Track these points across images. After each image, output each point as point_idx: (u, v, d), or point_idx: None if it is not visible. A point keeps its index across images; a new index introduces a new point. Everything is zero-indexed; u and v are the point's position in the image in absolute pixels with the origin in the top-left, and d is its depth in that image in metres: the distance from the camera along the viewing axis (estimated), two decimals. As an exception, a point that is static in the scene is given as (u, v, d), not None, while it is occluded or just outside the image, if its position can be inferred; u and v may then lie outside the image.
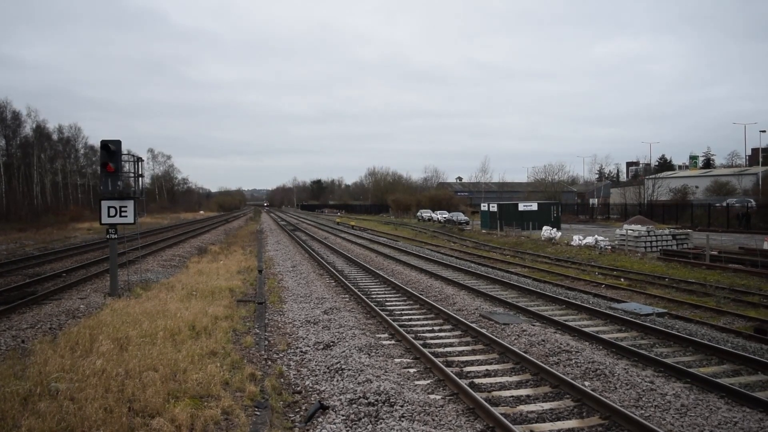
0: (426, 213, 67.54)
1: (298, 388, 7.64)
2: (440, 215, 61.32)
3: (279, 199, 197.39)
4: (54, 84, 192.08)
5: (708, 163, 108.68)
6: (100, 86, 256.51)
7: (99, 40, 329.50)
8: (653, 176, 71.68)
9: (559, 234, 34.31)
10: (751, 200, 49.79)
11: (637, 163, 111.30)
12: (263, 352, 9.22)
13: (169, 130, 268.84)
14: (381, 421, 6.30)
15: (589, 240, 29.24)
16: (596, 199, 74.23)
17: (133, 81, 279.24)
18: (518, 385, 7.85)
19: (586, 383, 7.77)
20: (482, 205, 50.94)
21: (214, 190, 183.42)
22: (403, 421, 6.26)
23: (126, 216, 13.71)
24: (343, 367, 8.21)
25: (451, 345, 9.90)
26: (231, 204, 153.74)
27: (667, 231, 28.77)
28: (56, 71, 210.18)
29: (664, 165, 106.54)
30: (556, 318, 11.60)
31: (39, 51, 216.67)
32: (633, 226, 29.26)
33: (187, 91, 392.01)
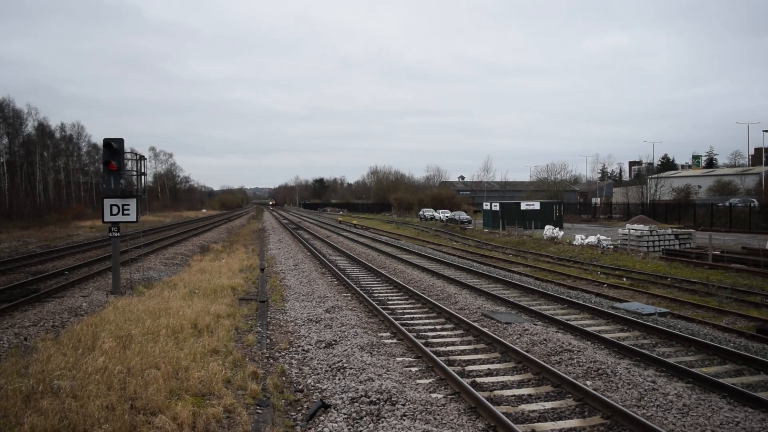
0: (428, 212, 67.45)
1: (300, 387, 7.65)
2: (442, 214, 61.27)
3: (281, 197, 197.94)
4: (35, 80, 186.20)
5: (711, 163, 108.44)
6: (82, 83, 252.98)
7: (75, 34, 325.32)
8: (656, 176, 71.61)
9: (561, 233, 34.29)
10: (754, 200, 49.66)
11: (639, 163, 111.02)
12: (265, 350, 9.23)
13: (159, 129, 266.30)
14: (383, 419, 6.30)
15: (592, 239, 29.20)
16: (599, 199, 74.10)
17: (114, 77, 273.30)
18: (520, 384, 7.85)
19: (588, 383, 7.76)
20: (484, 204, 50.91)
21: (216, 188, 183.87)
22: (404, 420, 6.26)
23: (128, 214, 13.73)
24: (345, 365, 8.21)
25: (452, 344, 9.90)
26: (233, 202, 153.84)
27: (669, 231, 28.71)
28: (36, 67, 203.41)
29: (667, 164, 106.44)
30: (558, 317, 11.59)
31: (15, 46, 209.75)
32: (635, 226, 29.21)
33: (172, 88, 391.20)
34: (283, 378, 7.99)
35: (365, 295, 13.84)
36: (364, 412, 6.49)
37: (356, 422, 6.29)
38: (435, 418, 6.46)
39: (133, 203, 13.74)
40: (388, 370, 8.05)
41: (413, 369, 8.42)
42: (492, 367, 8.58)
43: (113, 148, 13.31)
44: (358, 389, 7.17)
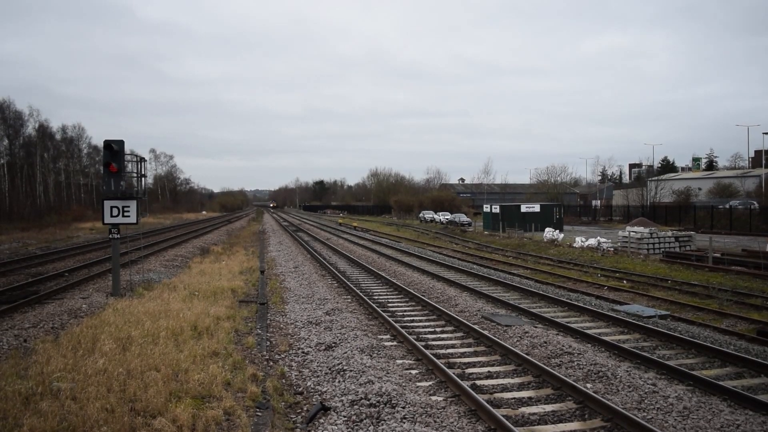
0: (428, 214, 67.50)
1: (300, 389, 7.64)
2: (442, 216, 61.28)
3: (282, 199, 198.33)
4: (31, 80, 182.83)
5: (711, 165, 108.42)
6: (78, 83, 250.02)
7: (68, 34, 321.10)
8: (656, 178, 71.46)
9: (561, 236, 34.28)
10: (754, 202, 49.66)
11: (639, 165, 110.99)
12: (265, 352, 9.22)
13: (158, 129, 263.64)
14: (382, 422, 6.29)
15: (592, 242, 29.20)
16: (599, 201, 74.17)
17: (110, 77, 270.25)
18: (520, 386, 7.83)
19: (588, 385, 7.75)
20: (484, 206, 50.96)
21: (216, 190, 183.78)
22: (404, 423, 6.25)
23: (128, 216, 13.73)
24: (345, 368, 8.21)
25: (453, 346, 9.88)
26: (233, 204, 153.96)
27: (669, 233, 28.71)
28: (32, 67, 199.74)
29: (667, 167, 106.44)
30: (558, 320, 11.58)
31: (8, 46, 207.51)
32: (636, 228, 29.21)
33: (169, 88, 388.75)
34: (283, 380, 7.98)
35: (365, 298, 13.83)
36: (363, 415, 6.48)
37: (356, 425, 6.28)
38: (435, 421, 6.44)
39: (133, 205, 13.74)
40: (388, 373, 8.04)
41: (413, 371, 8.41)
42: (492, 369, 8.56)
43: (113, 149, 13.32)
44: (358, 392, 7.16)
